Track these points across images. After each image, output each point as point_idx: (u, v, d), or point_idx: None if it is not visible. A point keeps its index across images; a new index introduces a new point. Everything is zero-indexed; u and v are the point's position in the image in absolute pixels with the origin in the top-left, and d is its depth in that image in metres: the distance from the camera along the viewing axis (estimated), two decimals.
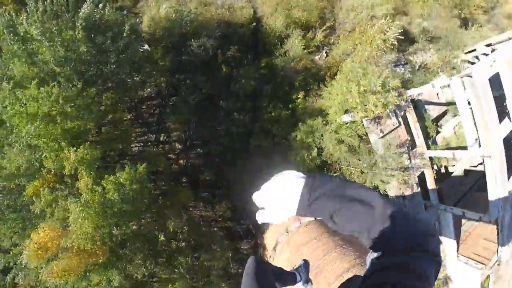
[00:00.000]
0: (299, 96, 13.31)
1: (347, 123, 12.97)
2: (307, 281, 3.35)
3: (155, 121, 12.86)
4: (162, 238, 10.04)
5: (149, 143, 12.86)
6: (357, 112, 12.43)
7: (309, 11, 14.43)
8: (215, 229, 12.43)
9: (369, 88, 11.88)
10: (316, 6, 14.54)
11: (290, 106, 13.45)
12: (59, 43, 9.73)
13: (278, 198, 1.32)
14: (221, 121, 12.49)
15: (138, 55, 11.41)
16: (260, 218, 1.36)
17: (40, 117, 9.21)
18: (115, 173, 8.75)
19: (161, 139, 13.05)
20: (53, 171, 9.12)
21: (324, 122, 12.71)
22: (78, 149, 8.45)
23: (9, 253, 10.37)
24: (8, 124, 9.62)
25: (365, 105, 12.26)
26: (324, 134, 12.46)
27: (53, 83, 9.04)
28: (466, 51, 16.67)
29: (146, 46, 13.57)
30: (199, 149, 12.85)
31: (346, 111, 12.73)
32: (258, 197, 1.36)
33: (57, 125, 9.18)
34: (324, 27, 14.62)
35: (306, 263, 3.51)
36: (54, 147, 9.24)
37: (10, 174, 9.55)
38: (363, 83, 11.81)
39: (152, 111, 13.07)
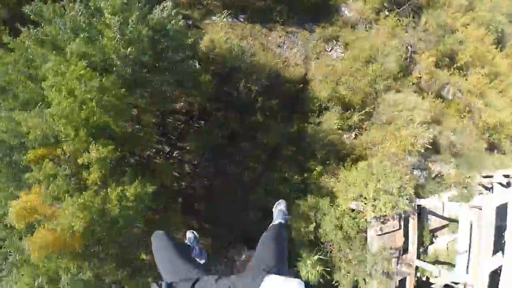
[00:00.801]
0: (316, 168, 13.46)
1: (352, 210, 13.06)
2: (201, 252, 3.22)
3: (177, 135, 13.01)
4: (143, 256, 9.79)
5: (161, 153, 12.93)
6: (365, 204, 12.56)
7: (354, 92, 14.89)
8: None
9: (385, 188, 12.08)
10: (363, 89, 15.00)
11: (304, 175, 13.55)
12: (128, 36, 9.40)
13: None
14: (237, 163, 12.64)
15: (189, 71, 11.58)
16: None
17: (73, 98, 8.87)
18: (122, 182, 8.69)
19: (174, 154, 13.14)
20: (67, 154, 8.96)
21: (331, 204, 12.77)
22: (102, 149, 8.32)
23: None
24: (41, 87, 9.10)
25: (374, 202, 12.43)
26: (327, 215, 12.50)
27: (103, 75, 9.05)
28: (484, 175, 16.79)
29: (196, 64, 13.84)
30: (205, 179, 12.92)
31: (355, 199, 12.86)
32: None
33: (82, 112, 8.68)
34: (362, 112, 15.03)
35: (194, 234, 3.39)
36: (69, 134, 8.81)
37: (20, 134, 8.94)
38: (382, 182, 12.02)
39: (176, 125, 13.24)
